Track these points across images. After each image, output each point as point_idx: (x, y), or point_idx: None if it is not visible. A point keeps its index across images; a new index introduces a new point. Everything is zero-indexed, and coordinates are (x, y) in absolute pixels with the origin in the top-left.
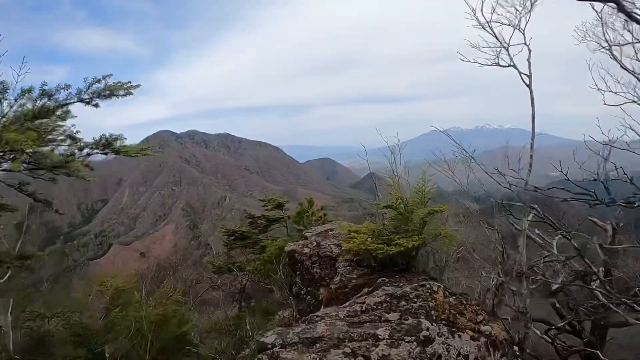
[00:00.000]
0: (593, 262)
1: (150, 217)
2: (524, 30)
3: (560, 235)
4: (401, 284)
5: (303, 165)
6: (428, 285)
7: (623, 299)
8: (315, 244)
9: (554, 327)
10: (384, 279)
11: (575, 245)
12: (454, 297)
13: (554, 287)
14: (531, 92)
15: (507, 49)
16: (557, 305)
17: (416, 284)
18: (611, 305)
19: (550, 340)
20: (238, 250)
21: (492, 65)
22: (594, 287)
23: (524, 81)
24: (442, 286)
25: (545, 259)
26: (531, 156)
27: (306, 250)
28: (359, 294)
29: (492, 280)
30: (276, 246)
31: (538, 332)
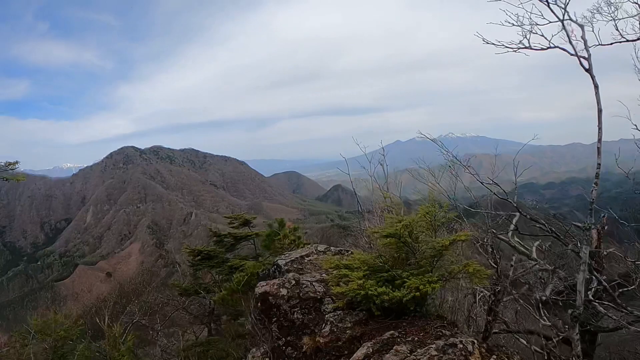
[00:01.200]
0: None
1: (116, 235)
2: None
3: (539, 242)
4: (417, 338)
5: (269, 179)
6: (459, 344)
7: (629, 308)
8: (293, 282)
9: (551, 340)
10: (392, 332)
11: (579, 253)
12: (496, 357)
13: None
14: (593, 78)
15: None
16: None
17: (442, 343)
18: (609, 315)
19: (546, 353)
20: (205, 270)
21: (543, 49)
22: (590, 295)
23: (582, 65)
24: (475, 341)
25: (532, 267)
26: (599, 152)
27: (283, 291)
28: (360, 354)
29: (481, 295)
30: (244, 273)
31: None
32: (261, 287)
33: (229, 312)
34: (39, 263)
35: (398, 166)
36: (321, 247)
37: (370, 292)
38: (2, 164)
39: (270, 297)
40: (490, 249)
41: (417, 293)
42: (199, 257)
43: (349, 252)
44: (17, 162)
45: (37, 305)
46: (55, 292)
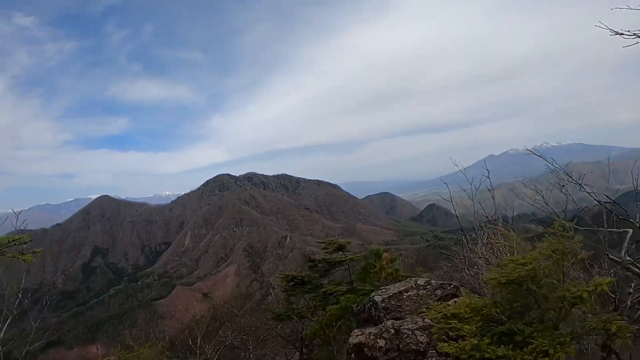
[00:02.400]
0: None
1: (212, 258)
2: None
3: None
4: None
5: (362, 201)
6: None
7: None
8: (392, 331)
9: None
10: None
11: None
12: None
13: None
14: None
15: None
16: None
17: None
18: None
19: None
20: (298, 295)
21: None
22: None
23: None
24: None
25: None
26: None
27: (380, 342)
28: None
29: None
30: (338, 306)
31: None
32: (356, 336)
33: (320, 341)
34: (138, 283)
35: (493, 182)
36: (421, 281)
37: (487, 354)
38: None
39: (365, 349)
40: (612, 274)
41: (546, 359)
42: (293, 282)
43: (452, 286)
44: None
45: (136, 321)
46: (153, 310)
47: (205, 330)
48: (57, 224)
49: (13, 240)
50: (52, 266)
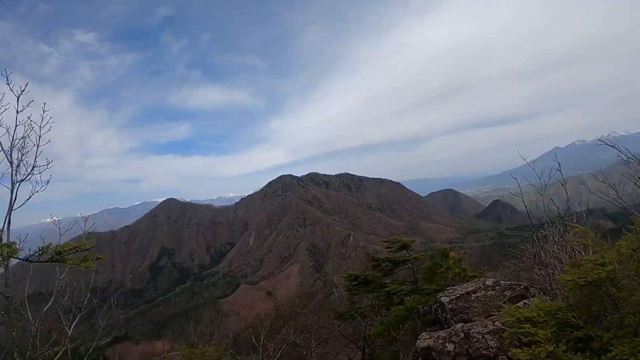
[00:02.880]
0: None
1: (276, 258)
2: None
3: None
4: None
5: (425, 199)
6: None
7: None
8: (462, 335)
9: None
10: None
11: None
12: None
13: None
14: None
15: None
16: None
17: None
18: None
19: None
20: (362, 294)
21: None
22: None
23: None
24: None
25: None
26: None
27: (449, 346)
28: None
29: None
30: (403, 307)
31: None
32: (424, 339)
33: (383, 340)
34: (204, 282)
35: (559, 175)
36: (489, 281)
37: None
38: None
39: (433, 353)
40: None
41: None
42: (356, 282)
43: (521, 287)
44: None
45: (200, 319)
46: (218, 308)
47: (268, 328)
48: (125, 226)
49: (75, 248)
50: (121, 266)
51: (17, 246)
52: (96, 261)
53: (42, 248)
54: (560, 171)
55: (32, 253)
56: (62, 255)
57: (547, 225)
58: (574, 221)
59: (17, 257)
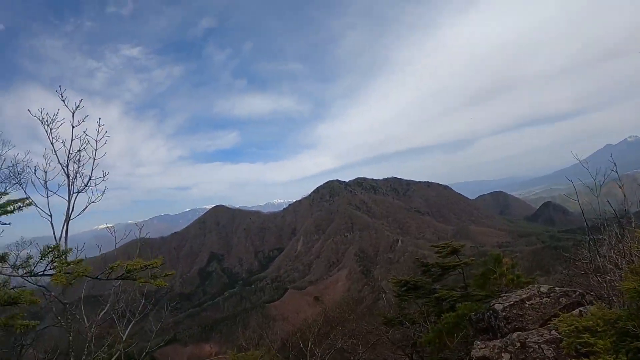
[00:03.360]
0: None
1: (324, 263)
2: None
3: None
4: None
5: (474, 202)
6: None
7: None
8: (518, 345)
9: None
10: None
11: None
12: None
13: None
14: None
15: None
16: None
17: None
18: None
19: None
20: (410, 300)
21: None
22: None
23: None
24: None
25: None
26: None
27: (505, 356)
28: None
29: None
30: (454, 314)
31: None
32: (479, 349)
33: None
34: (252, 286)
35: (612, 173)
36: (544, 288)
37: None
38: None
39: None
40: None
41: None
42: (405, 287)
43: (577, 293)
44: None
45: (248, 323)
46: (266, 313)
47: (316, 333)
48: (175, 232)
49: (145, 266)
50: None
51: (76, 255)
52: (166, 278)
53: (112, 266)
54: (616, 171)
55: (101, 272)
56: (131, 274)
57: (602, 228)
58: (633, 224)
59: (88, 276)
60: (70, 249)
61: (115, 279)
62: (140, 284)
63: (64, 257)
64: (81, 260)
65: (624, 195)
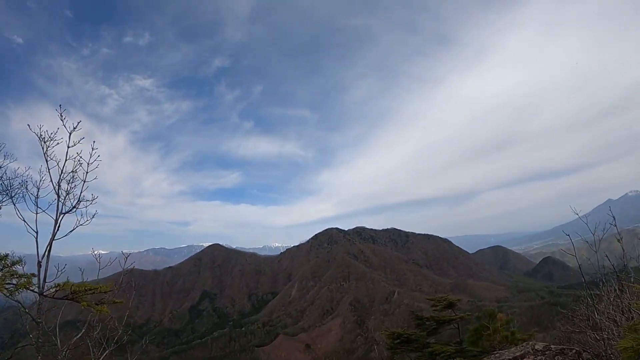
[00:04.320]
0: None
1: (318, 310)
2: None
3: None
4: None
5: (473, 256)
6: None
7: None
8: None
9: None
10: None
11: None
12: None
13: None
14: None
15: None
16: None
17: None
18: None
19: None
20: (403, 353)
21: None
22: None
23: None
24: None
25: None
26: None
27: None
28: None
29: None
30: None
31: None
32: None
33: None
34: (242, 328)
35: (612, 228)
36: (539, 346)
37: None
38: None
39: None
40: None
41: None
42: (399, 340)
43: (573, 352)
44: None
45: None
46: (255, 356)
47: None
48: (170, 266)
49: (91, 289)
50: (161, 305)
51: (55, 275)
52: (113, 305)
53: (59, 285)
54: (615, 225)
55: (48, 288)
56: (76, 295)
57: (601, 284)
58: (632, 279)
59: (31, 290)
60: (31, 275)
61: (60, 298)
62: (83, 307)
63: (12, 267)
64: (31, 275)
65: (623, 250)
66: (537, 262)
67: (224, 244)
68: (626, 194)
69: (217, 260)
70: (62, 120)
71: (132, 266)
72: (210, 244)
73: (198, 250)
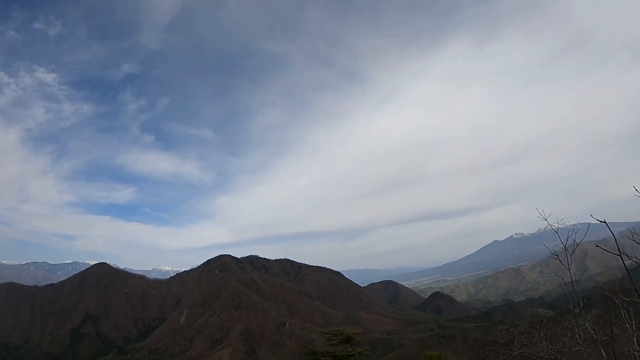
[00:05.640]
0: None
1: (207, 339)
2: None
3: None
4: None
5: (364, 289)
6: None
7: None
8: None
9: None
10: None
11: None
12: None
13: None
14: None
15: None
16: None
17: None
18: None
19: None
20: None
21: None
22: None
23: None
24: None
25: None
26: None
27: None
28: None
29: None
30: None
31: None
32: None
33: None
34: (128, 356)
35: (497, 267)
36: None
37: None
38: None
39: None
40: None
41: None
42: None
43: None
44: None
45: None
46: None
47: None
48: (52, 283)
49: None
50: (40, 325)
51: None
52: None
53: None
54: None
55: None
56: None
57: (491, 316)
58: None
59: None
60: None
61: None
62: None
63: None
64: None
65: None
66: (427, 297)
67: (111, 264)
68: (511, 236)
69: (103, 280)
70: None
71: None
72: (97, 262)
73: (83, 268)
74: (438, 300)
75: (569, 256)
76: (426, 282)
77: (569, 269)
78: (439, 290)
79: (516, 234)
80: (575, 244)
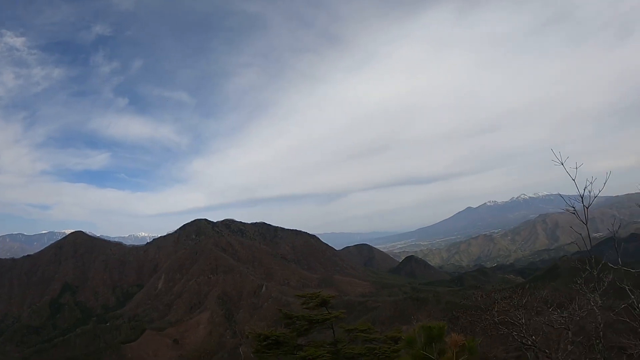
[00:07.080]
0: None
1: (185, 304)
2: None
3: None
4: None
5: (340, 252)
6: None
7: None
8: None
9: None
10: None
11: None
12: None
13: None
14: None
15: None
16: None
17: None
18: None
19: None
20: (271, 357)
21: None
22: None
23: None
24: None
25: None
26: None
27: None
28: None
29: None
30: None
31: None
32: None
33: None
34: (107, 324)
35: (470, 233)
36: None
37: None
38: None
39: None
40: None
41: None
42: (266, 342)
43: None
44: None
45: None
46: (121, 354)
47: None
48: (28, 255)
49: None
50: (19, 298)
51: None
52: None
53: None
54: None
55: None
56: None
57: (463, 280)
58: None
59: None
60: None
61: None
62: None
63: None
64: None
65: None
66: (401, 260)
67: (87, 232)
68: (485, 203)
69: (80, 249)
70: None
71: None
72: (73, 231)
73: (59, 238)
74: (412, 264)
75: (585, 210)
76: (400, 246)
77: (585, 223)
78: (412, 254)
79: (490, 201)
80: (591, 196)
